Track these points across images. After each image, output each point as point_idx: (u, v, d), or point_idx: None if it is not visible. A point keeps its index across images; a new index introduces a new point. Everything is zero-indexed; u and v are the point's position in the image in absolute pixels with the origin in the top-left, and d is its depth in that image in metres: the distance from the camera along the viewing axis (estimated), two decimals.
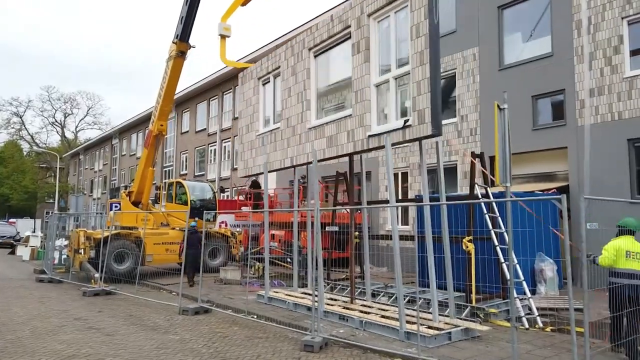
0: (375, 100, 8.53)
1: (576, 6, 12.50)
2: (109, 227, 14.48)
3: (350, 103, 8.92)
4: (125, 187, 23.04)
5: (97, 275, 12.79)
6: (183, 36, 15.10)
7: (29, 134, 60.86)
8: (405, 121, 7.48)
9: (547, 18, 13.25)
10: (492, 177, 10.06)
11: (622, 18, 11.66)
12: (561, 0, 12.82)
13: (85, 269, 13.69)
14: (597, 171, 11.78)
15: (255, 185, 20.45)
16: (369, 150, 8.75)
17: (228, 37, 13.46)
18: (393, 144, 8.09)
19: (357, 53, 8.83)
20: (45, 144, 62.30)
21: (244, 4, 13.56)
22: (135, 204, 16.57)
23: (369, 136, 8.41)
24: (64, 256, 17.51)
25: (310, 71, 10.16)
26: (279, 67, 11.19)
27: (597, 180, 11.69)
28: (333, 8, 19.00)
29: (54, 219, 17.99)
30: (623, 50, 11.61)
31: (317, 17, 20.01)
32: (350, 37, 9.09)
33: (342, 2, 18.51)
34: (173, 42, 15.38)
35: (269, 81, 11.77)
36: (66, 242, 17.78)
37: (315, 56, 10.18)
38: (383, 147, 8.17)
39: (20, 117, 58.83)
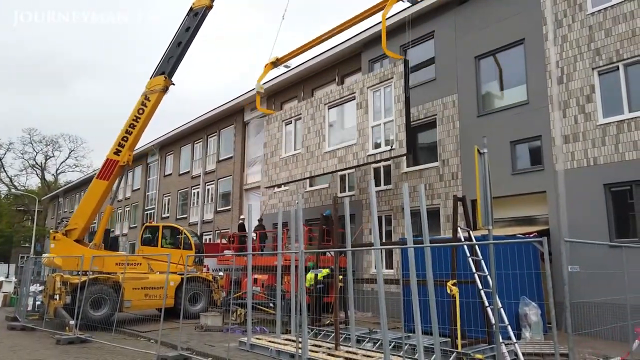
0: (371, 135, 15.40)
1: (548, 57, 13.12)
2: (86, 272, 14.06)
3: (354, 137, 15.91)
4: (57, 225, 21.64)
5: (72, 322, 12.32)
6: (170, 74, 16.64)
7: (8, 176, 59.88)
8: (392, 147, 14.54)
9: (521, 68, 13.83)
10: (474, 220, 10.17)
11: (593, 69, 12.24)
12: (534, 51, 13.45)
13: (60, 315, 13.18)
14: (576, 215, 12.00)
15: (242, 228, 20.23)
16: (368, 164, 15.99)
17: (261, 92, 20.10)
18: (380, 160, 15.54)
19: (360, 108, 15.91)
20: (25, 186, 61.27)
21: (275, 66, 19.60)
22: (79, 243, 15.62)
23: (368, 155, 15.33)
24: (38, 302, 16.91)
25: (325, 117, 17.28)
26: (301, 114, 18.22)
27: (576, 224, 11.90)
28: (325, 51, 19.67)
29: (29, 264, 17.47)
30: (595, 99, 12.12)
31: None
32: (354, 99, 16.18)
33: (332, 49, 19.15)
34: (164, 78, 16.46)
35: (291, 122, 18.82)
36: (41, 288, 17.20)
37: (329, 108, 17.29)
38: (377, 161, 15.67)
39: (0, 160, 58.05)
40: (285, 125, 18.97)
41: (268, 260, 15.01)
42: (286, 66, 20.18)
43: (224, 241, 21.08)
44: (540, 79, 13.23)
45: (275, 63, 19.65)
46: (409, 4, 16.20)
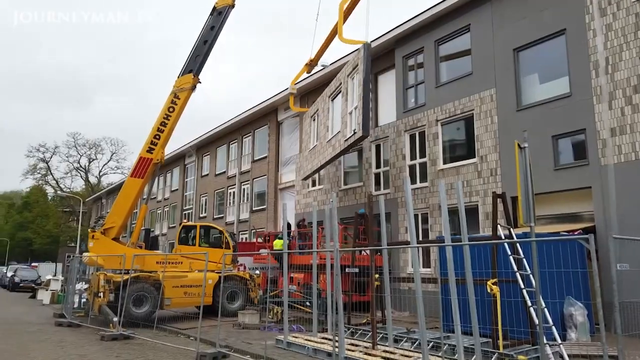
0: (349, 121, 15.89)
1: (592, 47, 12.58)
2: (127, 271, 14.44)
3: (340, 124, 16.73)
4: (94, 225, 22.10)
5: (115, 319, 12.70)
6: (197, 72, 17.22)
7: (54, 179, 62.50)
8: (354, 131, 15.05)
9: (563, 59, 13.32)
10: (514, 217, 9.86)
11: None
12: (577, 41, 12.93)
13: (104, 312, 13.62)
14: (623, 211, 11.47)
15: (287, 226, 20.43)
16: (346, 149, 16.43)
17: (294, 93, 21.31)
18: (352, 145, 16.00)
19: (343, 97, 16.69)
20: (70, 188, 63.82)
21: (308, 72, 20.60)
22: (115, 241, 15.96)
23: (344, 141, 15.88)
24: (83, 300, 17.50)
25: (330, 109, 18.19)
26: (318, 109, 19.63)
27: (624, 220, 11.37)
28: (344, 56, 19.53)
29: (75, 262, 18.11)
30: None
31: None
32: (341, 89, 17.10)
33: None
34: (192, 76, 17.05)
35: (315, 118, 20.18)
36: (86, 286, 17.79)
37: (332, 100, 18.25)
38: (350, 146, 16.07)
39: (47, 163, 60.61)
40: (313, 120, 20.44)
41: (304, 259, 15.07)
42: (323, 65, 20.65)
43: (259, 240, 21.28)
44: (584, 70, 12.71)
45: (310, 64, 20.19)
46: None
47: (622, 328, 5.10)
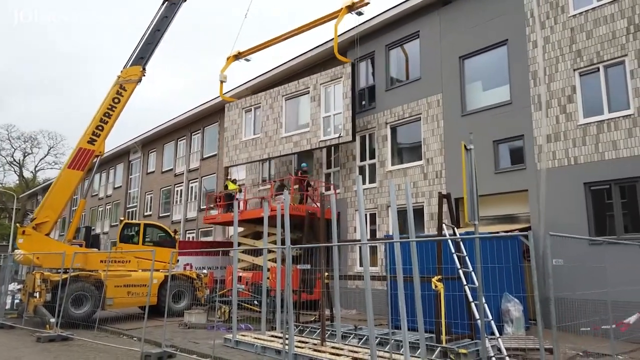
0: (322, 123, 17.84)
1: (532, 58, 13.33)
2: (66, 270, 13.76)
3: (309, 125, 18.31)
4: (22, 220, 20.78)
5: (52, 320, 12.11)
6: (145, 63, 17.02)
7: None
8: (339, 135, 16.93)
9: (505, 68, 14.03)
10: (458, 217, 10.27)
11: (574, 70, 12.49)
12: (518, 52, 13.66)
13: (40, 313, 12.95)
14: (556, 213, 12.22)
15: (227, 188, 21.01)
16: (319, 148, 18.29)
17: (224, 82, 22.14)
18: (330, 145, 17.85)
19: (314, 101, 18.38)
20: (2, 183, 60.01)
21: (237, 59, 21.67)
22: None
23: (320, 141, 17.75)
24: (16, 300, 16.58)
25: (283, 107, 19.72)
26: (260, 103, 20.73)
27: (557, 222, 12.10)
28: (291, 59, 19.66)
29: (8, 261, 17.09)
30: (576, 100, 12.36)
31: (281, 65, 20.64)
32: (308, 93, 18.71)
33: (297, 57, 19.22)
34: (140, 69, 16.73)
35: (250, 110, 21.34)
36: (19, 286, 16.84)
37: (286, 100, 19.73)
38: (327, 146, 18.02)
39: None
40: (245, 112, 21.55)
41: (253, 213, 17.53)
42: (247, 59, 21.87)
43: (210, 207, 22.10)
44: (523, 79, 13.44)
45: (237, 56, 21.54)
46: (360, 15, 17.81)
47: (556, 320, 5.47)
